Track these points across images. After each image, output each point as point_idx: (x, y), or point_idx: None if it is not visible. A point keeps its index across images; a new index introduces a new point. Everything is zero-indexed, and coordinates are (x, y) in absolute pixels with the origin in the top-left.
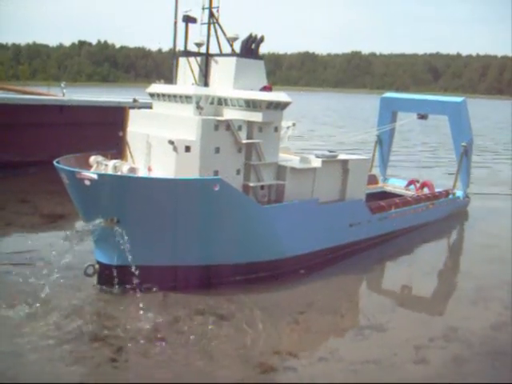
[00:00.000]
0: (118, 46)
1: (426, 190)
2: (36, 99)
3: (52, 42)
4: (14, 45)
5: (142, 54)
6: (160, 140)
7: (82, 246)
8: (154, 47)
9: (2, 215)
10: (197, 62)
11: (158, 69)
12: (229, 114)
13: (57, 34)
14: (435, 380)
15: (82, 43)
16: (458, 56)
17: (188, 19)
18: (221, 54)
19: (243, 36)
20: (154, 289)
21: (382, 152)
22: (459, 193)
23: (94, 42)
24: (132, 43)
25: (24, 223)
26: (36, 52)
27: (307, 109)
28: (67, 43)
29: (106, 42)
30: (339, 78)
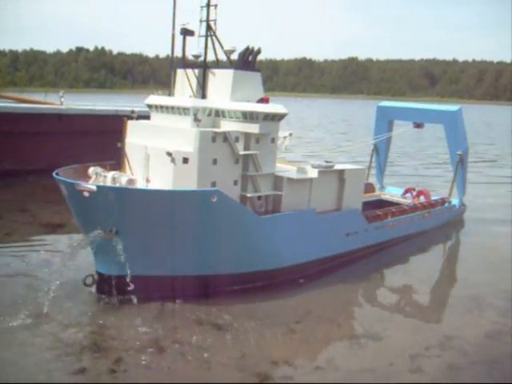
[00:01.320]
0: (115, 52)
1: (422, 198)
2: (34, 108)
3: (49, 48)
4: (11, 51)
5: (139, 60)
6: (158, 151)
7: (81, 257)
8: (150, 53)
9: (2, 224)
10: (194, 73)
11: (155, 75)
12: (226, 125)
13: (54, 40)
14: None
15: (79, 49)
16: (455, 62)
17: (186, 32)
18: (218, 67)
19: (240, 48)
20: (152, 299)
21: (379, 160)
22: (455, 201)
23: (91, 49)
24: (129, 49)
25: (23, 233)
26: (33, 58)
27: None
28: (64, 49)
29: (103, 49)
30: (336, 83)
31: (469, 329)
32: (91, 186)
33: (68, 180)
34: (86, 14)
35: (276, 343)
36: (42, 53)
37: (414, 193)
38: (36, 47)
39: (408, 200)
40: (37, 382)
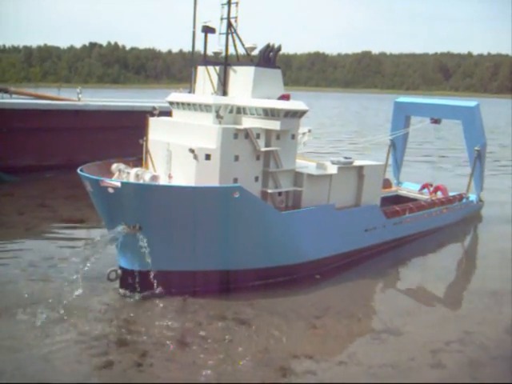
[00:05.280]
0: (128, 47)
1: (439, 194)
2: (52, 104)
3: (63, 43)
4: (25, 47)
5: (152, 55)
6: (180, 148)
7: (104, 252)
8: (163, 48)
9: (22, 220)
10: (216, 70)
11: (168, 70)
12: (247, 122)
13: (68, 35)
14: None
15: (92, 45)
16: (469, 55)
17: (207, 29)
18: (239, 64)
19: (261, 45)
20: (175, 294)
21: (396, 156)
22: (472, 196)
23: (104, 44)
24: (142, 44)
25: (44, 228)
26: (47, 54)
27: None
28: (78, 45)
29: (116, 44)
30: (349, 77)
31: (488, 324)
32: (116, 182)
33: (93, 177)
34: (99, 9)
35: (298, 338)
36: (56, 48)
37: (432, 188)
38: (50, 43)
39: (425, 196)
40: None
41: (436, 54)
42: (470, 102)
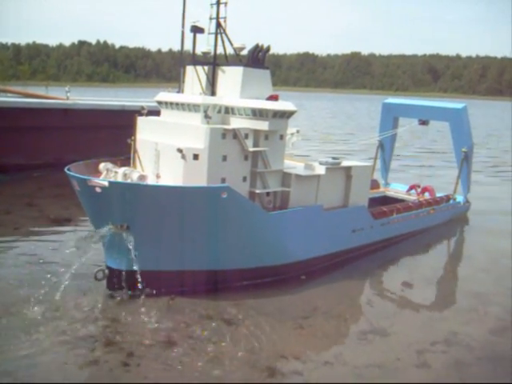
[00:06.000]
0: (117, 46)
1: (427, 195)
2: (41, 102)
3: (52, 41)
4: (13, 44)
5: (142, 54)
6: (169, 148)
7: (91, 251)
8: (153, 47)
9: (10, 219)
10: (204, 70)
11: (157, 69)
12: (236, 122)
13: (57, 33)
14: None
15: (81, 43)
16: (458, 57)
17: (196, 29)
18: (228, 64)
19: (248, 44)
20: (162, 293)
21: (384, 157)
22: (460, 198)
23: (93, 42)
24: (132, 43)
25: (32, 227)
26: (36, 52)
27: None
28: (67, 43)
29: (105, 42)
30: (339, 78)
31: (474, 325)
32: (103, 181)
33: (80, 176)
34: (88, 7)
35: (285, 338)
36: (45, 46)
37: (419, 189)
38: (39, 40)
39: (413, 197)
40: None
41: (425, 55)
42: (457, 104)
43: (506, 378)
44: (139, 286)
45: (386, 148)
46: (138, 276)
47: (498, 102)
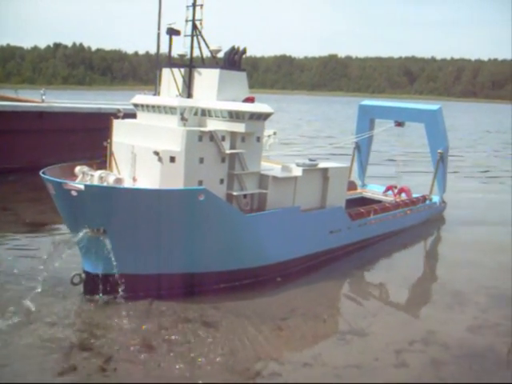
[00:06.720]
0: (93, 48)
1: (403, 196)
2: (15, 106)
3: (27, 44)
4: None
5: (119, 56)
6: (145, 150)
7: (67, 255)
8: (130, 50)
9: None
10: (180, 73)
11: (134, 72)
12: (212, 124)
13: (31, 36)
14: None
15: (57, 45)
16: (433, 59)
17: (172, 32)
18: (204, 66)
19: (226, 47)
20: (140, 297)
21: (361, 158)
22: (436, 198)
23: (69, 45)
24: (108, 46)
25: (6, 232)
26: (10, 54)
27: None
28: (42, 45)
29: (81, 45)
30: (315, 80)
31: (451, 324)
32: (79, 185)
33: (56, 179)
34: (63, 9)
35: (263, 340)
36: (19, 48)
37: (396, 190)
38: (13, 43)
39: (390, 197)
40: (27, 382)
41: (401, 58)
42: (432, 106)
43: (483, 375)
44: (118, 289)
45: (362, 150)
46: (116, 280)
47: (472, 103)
